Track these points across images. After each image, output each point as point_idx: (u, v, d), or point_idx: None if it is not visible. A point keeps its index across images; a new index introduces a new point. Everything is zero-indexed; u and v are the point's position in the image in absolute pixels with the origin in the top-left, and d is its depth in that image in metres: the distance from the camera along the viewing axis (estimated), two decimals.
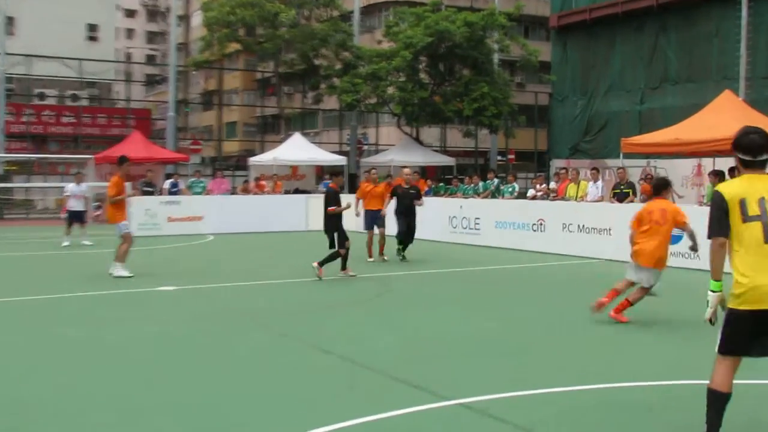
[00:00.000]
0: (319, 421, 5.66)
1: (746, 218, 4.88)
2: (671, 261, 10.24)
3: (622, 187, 18.68)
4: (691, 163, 24.11)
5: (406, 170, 17.79)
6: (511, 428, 5.70)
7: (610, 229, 16.97)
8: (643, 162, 25.68)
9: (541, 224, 18.80)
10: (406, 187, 16.91)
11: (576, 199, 19.25)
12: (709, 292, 5.05)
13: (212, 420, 5.87)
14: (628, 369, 7.50)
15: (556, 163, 32.08)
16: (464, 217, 21.10)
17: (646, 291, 9.64)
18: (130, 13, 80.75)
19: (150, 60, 78.51)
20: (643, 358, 8.03)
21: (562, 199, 19.89)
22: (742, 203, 4.89)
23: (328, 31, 36.77)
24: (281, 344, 8.75)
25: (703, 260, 14.59)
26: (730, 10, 26.46)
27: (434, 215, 20.63)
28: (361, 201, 16.53)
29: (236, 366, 7.66)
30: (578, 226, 17.84)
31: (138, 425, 5.79)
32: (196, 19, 58.59)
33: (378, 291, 12.71)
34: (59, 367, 7.55)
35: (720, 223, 4.94)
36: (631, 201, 18.11)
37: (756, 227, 4.85)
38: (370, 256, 16.59)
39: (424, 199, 18.19)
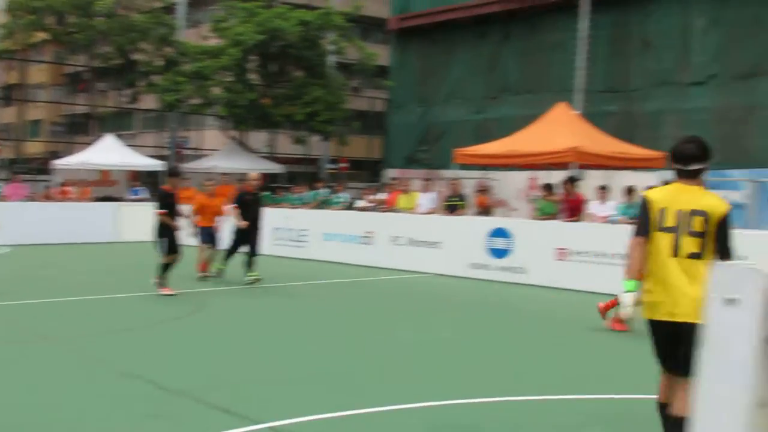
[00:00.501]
0: None
1: (661, 228, 5.34)
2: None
3: (453, 199, 19.44)
4: (526, 175, 25.25)
5: (253, 174, 16.83)
6: None
7: (440, 242, 17.70)
8: (478, 173, 26.72)
9: (370, 236, 19.31)
10: (254, 193, 16.12)
11: (407, 211, 19.88)
12: (623, 293, 5.41)
13: None
14: (457, 387, 7.84)
15: (391, 173, 32.73)
16: (290, 229, 21.28)
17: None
18: None
19: None
20: (471, 375, 8.50)
21: (393, 210, 20.49)
22: (662, 212, 5.35)
23: (149, 24, 35.95)
24: (81, 369, 8.48)
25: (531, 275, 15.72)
26: (571, 21, 27.55)
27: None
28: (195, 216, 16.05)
29: (28, 395, 7.34)
30: (408, 238, 18.47)
31: None
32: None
33: (191, 309, 12.50)
34: None
35: (641, 225, 5.45)
36: (462, 213, 18.95)
37: (667, 239, 5.30)
38: (203, 272, 16.17)
39: None
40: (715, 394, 1.28)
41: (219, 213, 16.57)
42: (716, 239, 5.21)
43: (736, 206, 23.16)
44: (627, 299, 5.36)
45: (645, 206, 5.46)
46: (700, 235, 5.21)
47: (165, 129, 42.30)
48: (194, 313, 12.30)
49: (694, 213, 5.26)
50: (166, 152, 39.43)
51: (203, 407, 7.00)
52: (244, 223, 15.10)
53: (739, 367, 1.26)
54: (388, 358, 9.27)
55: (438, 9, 33.17)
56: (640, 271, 5.39)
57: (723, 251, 5.13)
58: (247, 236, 15.48)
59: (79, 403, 7.10)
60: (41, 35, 39.90)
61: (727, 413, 1.26)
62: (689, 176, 5.45)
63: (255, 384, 7.92)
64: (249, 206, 15.51)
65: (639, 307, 5.40)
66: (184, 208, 14.74)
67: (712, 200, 5.40)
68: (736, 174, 23.96)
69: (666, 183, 17.39)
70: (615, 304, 10.34)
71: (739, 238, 15.40)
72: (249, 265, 15.40)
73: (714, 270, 1.29)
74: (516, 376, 8.41)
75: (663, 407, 5.38)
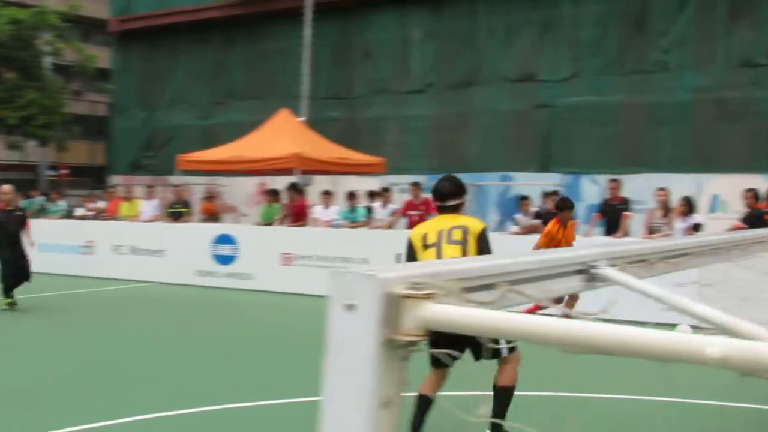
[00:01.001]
0: None
1: (426, 246, 6.04)
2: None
3: (177, 206, 19.16)
4: (255, 181, 25.34)
5: (5, 188, 14.42)
6: None
7: (164, 251, 17.37)
8: (206, 179, 26.46)
9: (90, 246, 18.57)
10: (10, 209, 14.17)
11: (129, 219, 19.34)
12: None
13: None
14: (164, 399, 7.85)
15: (115, 180, 31.65)
16: None
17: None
18: None
19: None
20: (189, 384, 8.41)
21: (114, 218, 19.83)
22: (424, 236, 6.10)
23: None
24: None
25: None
26: (295, 29, 28.08)
27: None
28: None
29: None
30: (130, 246, 17.99)
31: None
32: None
33: None
34: None
35: (407, 260, 6.21)
36: (188, 220, 18.71)
37: (431, 252, 5.97)
38: None
39: None
40: (340, 396, 1.31)
41: None
42: (478, 252, 5.95)
43: None
44: None
45: (408, 244, 6.30)
46: (460, 243, 5.95)
47: None
48: None
49: (454, 228, 6.03)
50: None
51: None
52: None
53: (361, 369, 1.29)
54: (92, 371, 9.04)
55: (159, 12, 32.41)
56: None
57: None
58: (8, 260, 13.60)
59: None
60: None
61: (352, 414, 1.29)
62: (448, 211, 6.25)
63: None
64: (5, 223, 13.73)
65: None
66: None
67: (470, 220, 6.29)
68: None
69: (386, 189, 18.29)
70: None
71: None
72: (15, 284, 13.72)
73: (332, 276, 1.32)
74: (223, 383, 8.38)
75: (424, 399, 5.89)
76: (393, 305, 1.28)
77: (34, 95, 31.12)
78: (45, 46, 32.99)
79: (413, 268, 1.35)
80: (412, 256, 6.14)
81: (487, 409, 5.99)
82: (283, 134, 20.54)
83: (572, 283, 1.99)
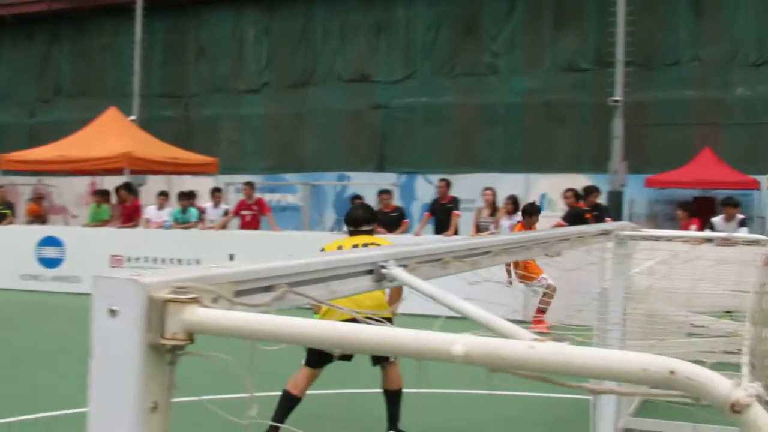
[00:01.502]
0: None
1: None
2: None
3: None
4: (86, 181, 24.57)
5: None
6: None
7: None
8: (32, 179, 25.51)
9: None
10: None
11: None
12: None
13: None
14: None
15: None
16: None
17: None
18: None
19: None
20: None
21: None
22: (339, 248, 6.09)
23: None
24: None
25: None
26: (125, 25, 27.41)
27: None
28: None
29: None
30: None
31: None
32: None
33: None
34: None
35: None
36: (11, 222, 17.98)
37: None
38: None
39: None
40: (106, 403, 1.30)
41: None
42: None
43: (292, 208, 24.60)
44: None
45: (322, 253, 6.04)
46: None
47: None
48: None
49: (368, 243, 6.23)
50: None
51: None
52: None
53: (126, 374, 1.29)
54: None
55: None
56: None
57: None
58: None
59: None
60: None
61: (120, 420, 1.29)
62: (365, 233, 6.54)
63: None
64: None
65: None
66: None
67: (381, 239, 6.91)
68: (290, 178, 25.33)
69: (217, 189, 18.07)
70: None
71: (294, 239, 16.23)
72: None
73: (94, 280, 1.32)
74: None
75: (292, 397, 6.13)
76: (156, 309, 1.28)
77: None
78: None
79: (179, 272, 1.36)
80: None
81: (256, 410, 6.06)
82: (112, 133, 20.07)
83: (362, 283, 2.04)
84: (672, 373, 1.06)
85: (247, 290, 1.53)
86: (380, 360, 6.39)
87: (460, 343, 1.18)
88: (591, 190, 15.31)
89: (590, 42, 23.16)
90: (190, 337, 1.30)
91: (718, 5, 22.15)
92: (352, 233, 6.64)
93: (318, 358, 6.14)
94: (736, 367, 2.53)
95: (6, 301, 14.90)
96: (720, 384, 1.05)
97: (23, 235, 17.03)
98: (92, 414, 1.31)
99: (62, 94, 30.31)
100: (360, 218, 6.63)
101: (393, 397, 6.48)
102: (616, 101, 21.08)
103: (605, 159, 21.32)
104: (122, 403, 1.30)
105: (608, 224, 5.63)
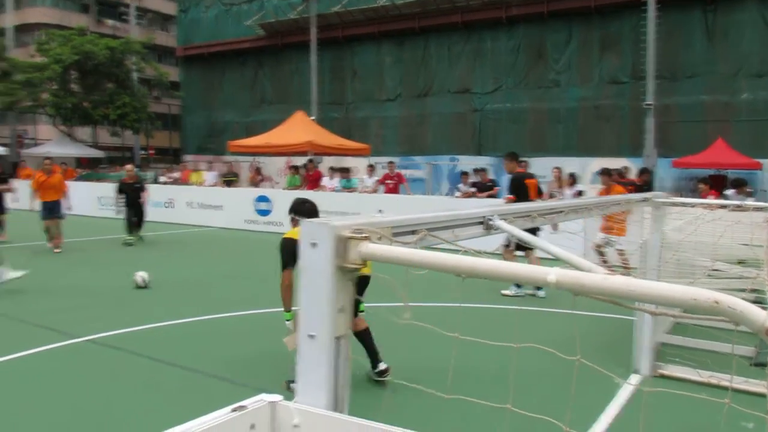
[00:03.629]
0: None
1: None
2: None
3: (229, 175, 19.13)
4: (284, 159, 25.22)
5: (128, 167, 14.65)
6: (125, 354, 5.74)
7: (222, 206, 17.29)
8: (250, 158, 26.43)
9: (171, 202, 18.41)
10: (131, 182, 13.95)
11: (197, 184, 19.23)
12: (286, 322, 4.91)
13: None
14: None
15: (187, 158, 31.47)
16: (110, 197, 19.64)
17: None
18: None
19: None
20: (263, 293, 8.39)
21: (186, 184, 19.68)
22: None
23: None
24: None
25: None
26: (307, 55, 27.89)
27: (86, 195, 19.15)
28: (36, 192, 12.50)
29: None
30: (199, 203, 17.80)
31: None
32: None
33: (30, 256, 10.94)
34: None
35: (289, 259, 4.80)
36: (236, 186, 18.66)
37: None
38: (54, 245, 12.33)
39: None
40: (310, 304, 1.33)
41: (58, 188, 12.68)
42: None
43: (419, 180, 24.59)
44: (291, 326, 4.89)
45: (289, 242, 4.82)
46: None
47: (6, 124, 37.63)
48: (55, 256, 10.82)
49: None
50: (8, 141, 35.23)
51: (36, 328, 6.48)
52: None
53: (323, 286, 1.32)
54: (170, 287, 8.86)
55: (211, 42, 32.25)
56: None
57: None
58: (132, 213, 13.80)
59: None
60: None
61: (319, 316, 1.32)
62: None
63: (82, 309, 7.33)
64: (127, 192, 13.80)
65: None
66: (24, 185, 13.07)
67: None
68: (417, 159, 25.32)
69: (370, 165, 18.20)
70: None
71: (421, 201, 16.03)
72: (130, 231, 13.71)
73: (303, 224, 1.35)
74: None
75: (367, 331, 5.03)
76: (342, 243, 1.30)
77: (126, 99, 30.73)
78: (132, 65, 32.51)
79: (356, 220, 1.37)
80: (292, 252, 4.73)
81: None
82: (299, 128, 20.43)
83: (475, 231, 2.01)
84: (716, 302, 1.00)
85: (400, 233, 1.53)
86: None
87: (553, 273, 1.15)
88: (644, 171, 14.61)
89: (627, 61, 22.16)
90: (364, 262, 1.31)
91: (726, 30, 20.74)
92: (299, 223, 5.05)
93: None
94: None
95: (235, 237, 15.53)
96: (756, 312, 0.99)
97: (246, 194, 17.39)
98: (302, 311, 1.34)
99: (266, 102, 31.20)
100: (313, 210, 5.17)
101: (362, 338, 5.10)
102: (649, 105, 20.11)
103: (640, 147, 20.39)
104: (321, 305, 1.32)
105: (647, 193, 5.34)
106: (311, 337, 1.33)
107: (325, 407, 1.33)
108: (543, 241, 1.86)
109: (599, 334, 6.66)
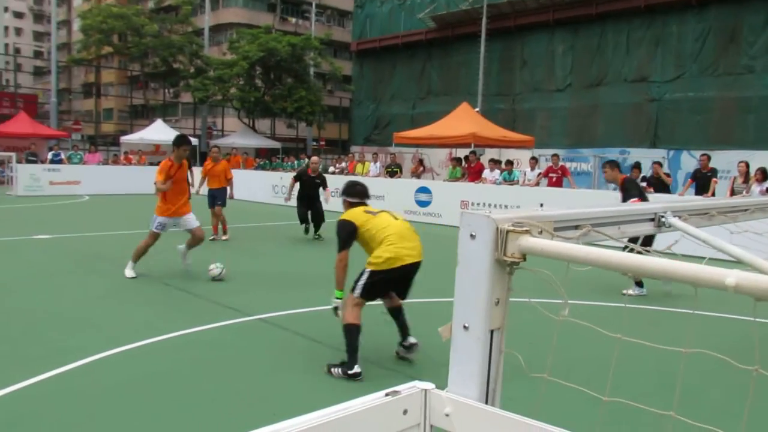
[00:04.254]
0: (153, 333, 5.82)
1: (374, 214, 5.06)
2: None
3: (393, 167, 19.55)
4: (446, 151, 25.37)
5: (314, 159, 13.26)
6: (290, 334, 6.10)
7: (383, 196, 17.75)
8: (413, 149, 26.89)
9: (336, 191, 19.16)
10: (313, 176, 12.81)
11: (362, 174, 19.90)
12: (335, 300, 5.04)
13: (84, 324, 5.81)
14: None
15: (355, 149, 32.71)
16: (283, 186, 21.03)
17: None
18: (18, 15, 73.12)
19: (37, 55, 71.62)
20: None
21: (352, 174, 20.44)
22: (366, 211, 5.10)
23: (183, 43, 35.32)
24: (128, 281, 8.43)
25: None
26: (474, 46, 27.80)
27: (262, 183, 20.62)
28: (205, 179, 12.71)
29: (91, 298, 7.48)
30: None
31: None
32: (78, 23, 53.96)
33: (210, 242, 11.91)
34: None
35: (345, 241, 4.98)
36: (399, 176, 19.03)
37: (384, 214, 5.08)
38: (215, 233, 12.50)
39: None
40: (466, 296, 1.33)
41: (222, 176, 12.61)
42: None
43: (585, 173, 23.56)
44: (341, 304, 5.02)
45: (349, 224, 4.99)
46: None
47: (199, 116, 41.61)
48: (225, 244, 11.86)
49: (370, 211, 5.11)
50: (199, 132, 38.91)
51: (215, 305, 7.03)
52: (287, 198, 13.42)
53: (480, 278, 1.31)
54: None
55: (383, 36, 33.01)
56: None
57: None
58: (308, 207, 12.86)
59: (127, 302, 7.08)
60: (108, 48, 38.84)
61: (473, 308, 1.32)
62: (365, 205, 5.28)
63: (253, 290, 7.89)
64: (304, 185, 12.85)
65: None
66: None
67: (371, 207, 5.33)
68: (584, 152, 24.25)
69: (534, 158, 17.72)
70: None
71: (587, 195, 15.36)
72: (316, 228, 12.94)
73: (462, 215, 1.34)
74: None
75: (357, 328, 4.91)
76: (501, 236, 1.27)
77: (303, 93, 32.50)
78: (310, 60, 34.27)
79: (517, 213, 1.34)
80: (349, 235, 4.98)
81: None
82: (463, 119, 20.42)
83: (644, 227, 1.89)
84: None
85: (562, 227, 1.47)
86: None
87: (732, 276, 1.04)
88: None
89: None
90: (524, 256, 1.28)
91: None
92: (357, 204, 5.27)
93: (372, 296, 5.01)
94: None
95: None
96: None
97: (407, 185, 17.73)
98: (457, 303, 1.34)
99: (432, 93, 31.41)
100: (363, 192, 5.36)
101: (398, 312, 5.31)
102: None
103: None
104: (476, 297, 1.31)
105: None
106: (465, 328, 1.32)
107: (477, 399, 1.32)
108: (720, 240, 1.69)
109: None
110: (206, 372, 4.90)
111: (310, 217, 12.93)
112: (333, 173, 22.06)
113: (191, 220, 8.70)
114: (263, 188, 20.96)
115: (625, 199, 8.19)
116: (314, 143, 41.55)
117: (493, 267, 1.29)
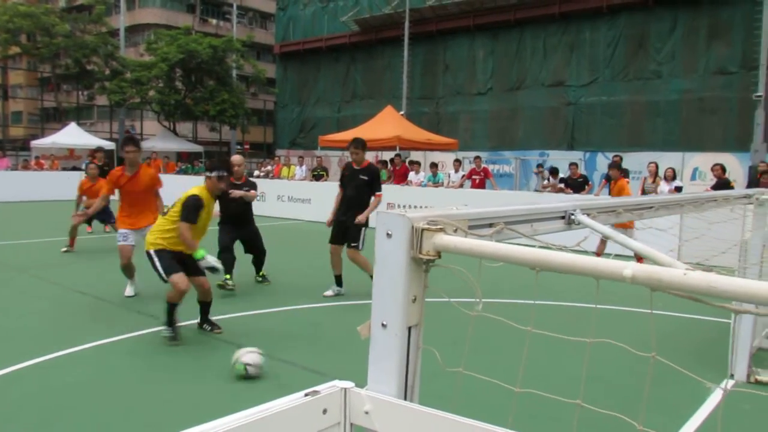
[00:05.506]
0: (66, 345, 5.56)
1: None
2: None
3: (318, 170, 19.45)
4: (372, 154, 25.43)
5: (236, 158, 8.72)
6: (209, 339, 5.93)
7: (310, 199, 17.65)
8: (339, 153, 26.84)
9: (262, 195, 18.98)
10: (238, 183, 8.28)
11: (287, 178, 19.72)
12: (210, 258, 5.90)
13: None
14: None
15: (280, 152, 32.39)
16: None
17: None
18: None
19: None
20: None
21: (278, 178, 20.23)
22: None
23: (98, 43, 33.96)
24: (40, 286, 8.15)
25: None
26: (397, 50, 28.08)
27: (184, 189, 20.10)
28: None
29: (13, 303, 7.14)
30: (288, 196, 18.29)
31: None
32: None
33: None
34: None
35: (192, 215, 5.86)
36: (325, 180, 18.96)
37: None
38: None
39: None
40: (384, 293, 1.35)
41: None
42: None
43: (507, 175, 24.22)
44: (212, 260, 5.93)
45: (198, 203, 5.92)
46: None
47: (114, 119, 40.09)
48: None
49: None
50: (116, 136, 37.52)
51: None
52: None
53: (397, 276, 1.33)
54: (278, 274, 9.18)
55: (307, 39, 32.90)
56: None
57: None
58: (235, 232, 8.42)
59: (33, 309, 6.78)
60: (15, 49, 36.84)
61: (392, 305, 1.34)
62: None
63: None
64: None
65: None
66: None
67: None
68: (506, 154, 24.94)
69: (457, 160, 18.02)
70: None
71: (508, 197, 15.63)
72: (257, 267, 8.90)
73: (378, 214, 1.36)
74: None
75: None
76: (416, 235, 1.30)
77: (225, 95, 31.93)
78: (232, 63, 33.71)
79: (431, 212, 1.37)
80: (197, 211, 5.94)
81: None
82: (388, 123, 20.56)
83: (555, 225, 1.96)
84: None
85: (477, 226, 1.52)
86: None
87: (629, 268, 1.11)
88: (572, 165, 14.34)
89: (737, 50, 20.70)
90: (438, 254, 1.31)
91: None
92: (221, 178, 6.19)
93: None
94: None
95: (322, 231, 15.77)
96: None
97: (334, 189, 17.64)
98: (375, 301, 1.36)
99: (357, 97, 31.51)
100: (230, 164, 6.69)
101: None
102: (759, 96, 18.78)
103: (747, 141, 19.13)
104: (394, 294, 1.34)
105: (751, 189, 4.99)
106: (384, 326, 1.35)
107: (396, 395, 1.34)
108: (623, 236, 1.79)
109: (693, 335, 6.35)
110: (125, 381, 4.74)
111: (242, 247, 8.62)
112: (258, 177, 21.76)
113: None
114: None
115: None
116: (238, 146, 40.83)
117: (409, 265, 1.32)
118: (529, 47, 25.56)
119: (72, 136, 29.79)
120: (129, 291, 7.67)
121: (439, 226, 1.31)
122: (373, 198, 8.05)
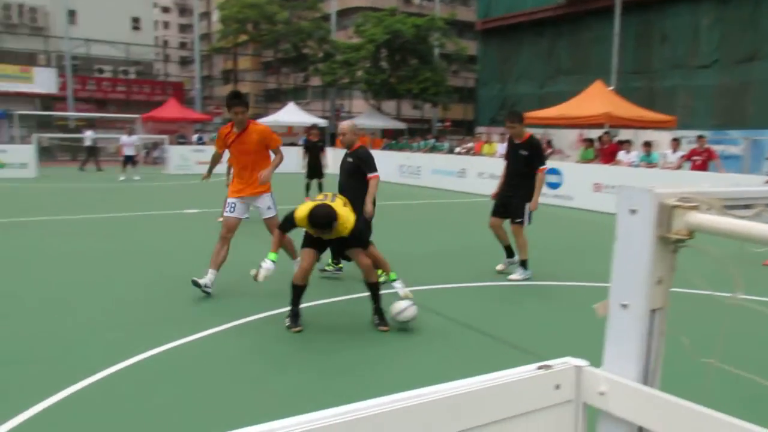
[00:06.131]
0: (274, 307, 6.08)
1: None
2: None
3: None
4: (574, 132, 24.52)
5: (345, 124, 7.27)
6: (423, 310, 6.16)
7: None
8: (541, 131, 26.16)
9: (463, 172, 19.16)
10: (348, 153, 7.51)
11: (488, 155, 19.66)
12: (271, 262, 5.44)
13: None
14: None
15: (480, 130, 32.41)
16: (409, 165, 21.34)
17: None
18: (165, 10, 78.74)
19: (182, 46, 76.80)
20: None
21: (479, 155, 20.24)
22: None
23: (312, 28, 36.48)
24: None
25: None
26: (607, 21, 26.52)
27: (389, 163, 20.92)
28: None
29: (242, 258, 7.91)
30: (490, 173, 18.18)
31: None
32: (217, 14, 57.10)
33: None
34: (136, 256, 7.92)
35: (290, 223, 5.42)
36: None
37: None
38: None
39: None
40: (624, 275, 1.30)
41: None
42: None
43: (734, 157, 21.85)
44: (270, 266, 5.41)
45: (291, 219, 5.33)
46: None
47: (327, 99, 42.85)
48: None
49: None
50: (328, 114, 40.13)
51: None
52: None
53: (640, 256, 1.27)
54: (450, 250, 9.23)
55: (509, 14, 32.41)
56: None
57: None
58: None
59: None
60: (244, 37, 40.84)
61: (633, 287, 1.28)
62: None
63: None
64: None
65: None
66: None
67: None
68: (733, 134, 22.51)
69: (675, 139, 16.59)
70: None
71: (737, 181, 14.34)
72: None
73: (620, 189, 1.29)
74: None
75: (301, 287, 5.43)
76: (665, 212, 1.22)
77: (428, 74, 32.54)
78: (434, 41, 34.20)
79: (683, 188, 1.28)
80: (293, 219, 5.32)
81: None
82: (596, 99, 19.65)
83: None
84: None
85: (732, 206, 1.39)
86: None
87: None
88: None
89: None
90: (690, 234, 1.22)
91: None
92: None
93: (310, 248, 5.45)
94: None
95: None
96: None
97: None
98: (615, 281, 1.30)
99: (562, 72, 30.49)
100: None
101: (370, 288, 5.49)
102: None
103: None
104: (637, 276, 1.27)
105: None
106: (624, 306, 1.29)
107: (635, 379, 1.28)
108: None
109: None
110: (351, 336, 5.10)
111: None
112: (458, 154, 21.99)
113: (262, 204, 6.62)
114: (391, 168, 21.28)
115: None
116: (439, 124, 41.55)
117: (655, 244, 1.24)
118: (765, 12, 22.63)
119: (290, 114, 32.48)
120: (204, 280, 6.23)
121: (693, 204, 1.21)
122: (537, 175, 7.59)
